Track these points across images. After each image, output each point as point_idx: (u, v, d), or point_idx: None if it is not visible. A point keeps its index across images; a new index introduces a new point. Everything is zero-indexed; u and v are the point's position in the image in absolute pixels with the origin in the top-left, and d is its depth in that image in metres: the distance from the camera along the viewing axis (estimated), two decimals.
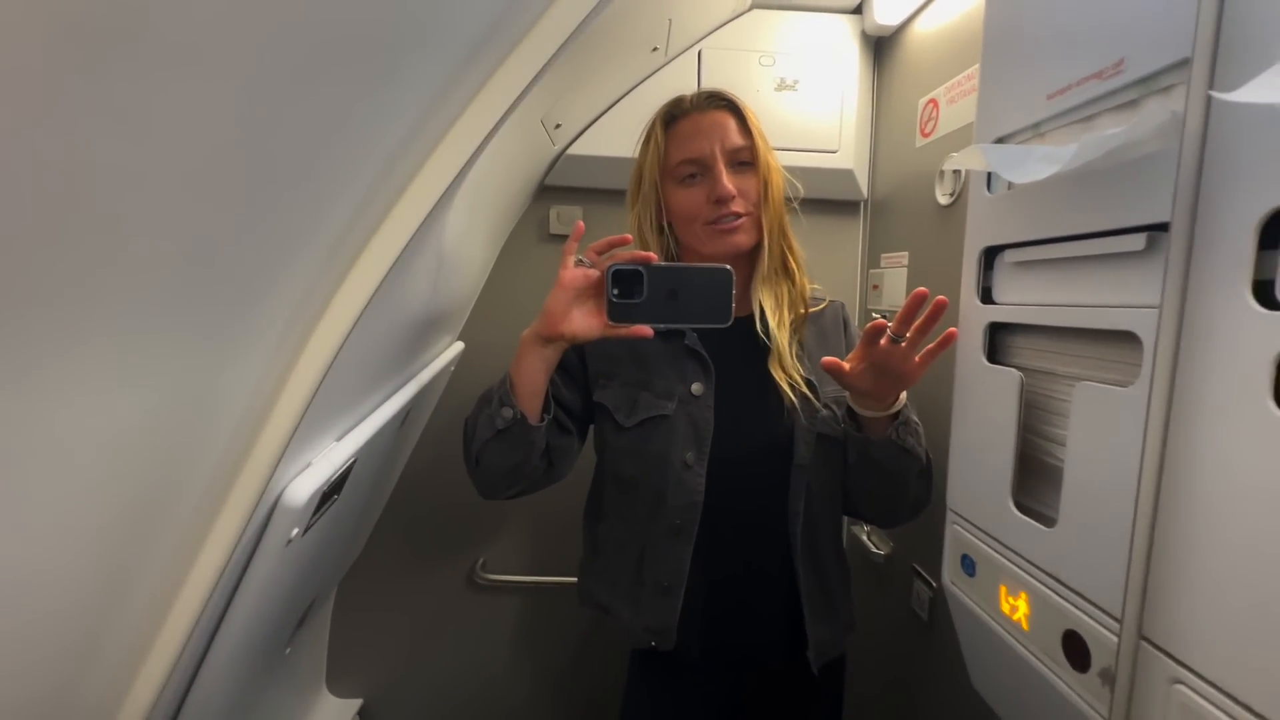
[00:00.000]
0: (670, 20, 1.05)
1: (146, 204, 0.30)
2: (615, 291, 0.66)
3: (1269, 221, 0.36)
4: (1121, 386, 0.47)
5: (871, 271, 1.32)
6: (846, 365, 0.68)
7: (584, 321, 0.68)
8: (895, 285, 1.21)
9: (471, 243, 0.96)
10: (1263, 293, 0.37)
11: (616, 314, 0.67)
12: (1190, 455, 0.40)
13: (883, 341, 0.63)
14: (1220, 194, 0.39)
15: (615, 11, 0.87)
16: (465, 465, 0.81)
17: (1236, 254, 0.37)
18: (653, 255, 0.67)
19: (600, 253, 0.69)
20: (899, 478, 0.75)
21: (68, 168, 0.26)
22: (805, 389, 0.78)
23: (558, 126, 1.13)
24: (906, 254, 1.18)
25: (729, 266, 0.67)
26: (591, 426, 0.89)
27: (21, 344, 0.29)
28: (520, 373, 0.72)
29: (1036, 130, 0.58)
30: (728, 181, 0.76)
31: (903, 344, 0.63)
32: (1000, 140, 0.62)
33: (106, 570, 0.44)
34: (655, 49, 1.11)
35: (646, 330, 0.67)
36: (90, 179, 0.27)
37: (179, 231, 0.32)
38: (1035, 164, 0.51)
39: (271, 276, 0.39)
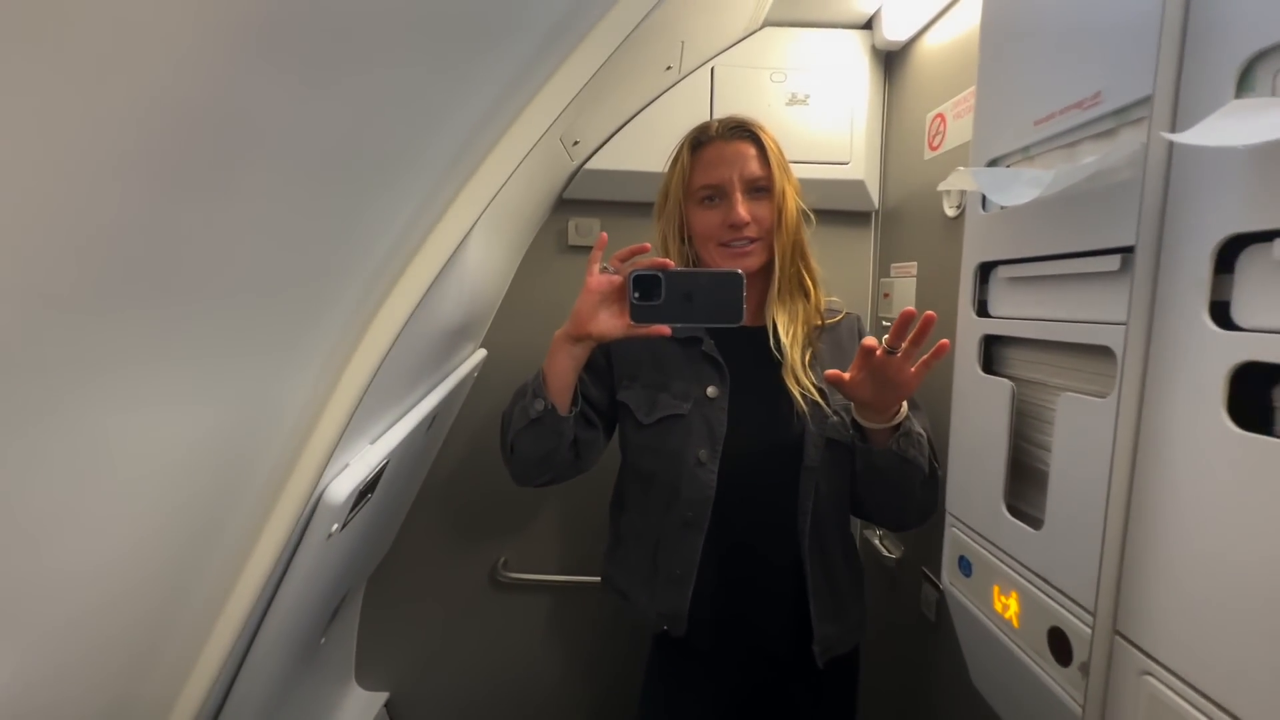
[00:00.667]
0: (683, 42, 1.10)
1: (229, 249, 0.35)
2: (636, 295, 0.72)
3: (1224, 246, 0.39)
4: (1099, 397, 0.50)
5: (883, 280, 1.35)
6: (847, 376, 0.72)
7: (609, 322, 0.75)
8: (905, 294, 1.24)
9: (494, 257, 1.02)
10: (1219, 313, 0.40)
11: (638, 315, 0.73)
12: (1158, 462, 0.43)
13: (878, 353, 0.67)
14: (1182, 220, 0.42)
15: (630, 36, 0.91)
16: (501, 453, 0.88)
17: (1195, 276, 0.40)
18: (669, 262, 0.73)
19: (623, 260, 0.75)
20: (902, 486, 0.79)
21: (175, 226, 0.31)
22: (816, 396, 0.84)
23: (576, 143, 1.18)
24: (915, 264, 1.20)
25: (739, 270, 0.72)
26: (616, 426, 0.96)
27: (114, 360, 0.35)
28: (552, 369, 0.80)
29: (1026, 154, 0.61)
30: (742, 209, 0.83)
31: (897, 355, 0.67)
32: (993, 161, 0.65)
33: (168, 575, 0.49)
34: (669, 68, 1.16)
35: (665, 329, 0.73)
36: (188, 235, 0.32)
37: (254, 272, 0.38)
38: (1021, 187, 0.55)
39: (322, 305, 0.44)
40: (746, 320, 0.73)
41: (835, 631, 0.86)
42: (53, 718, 0.45)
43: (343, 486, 0.63)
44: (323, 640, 1.07)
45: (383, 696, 1.46)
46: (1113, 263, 0.48)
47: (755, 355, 0.87)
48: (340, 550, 0.78)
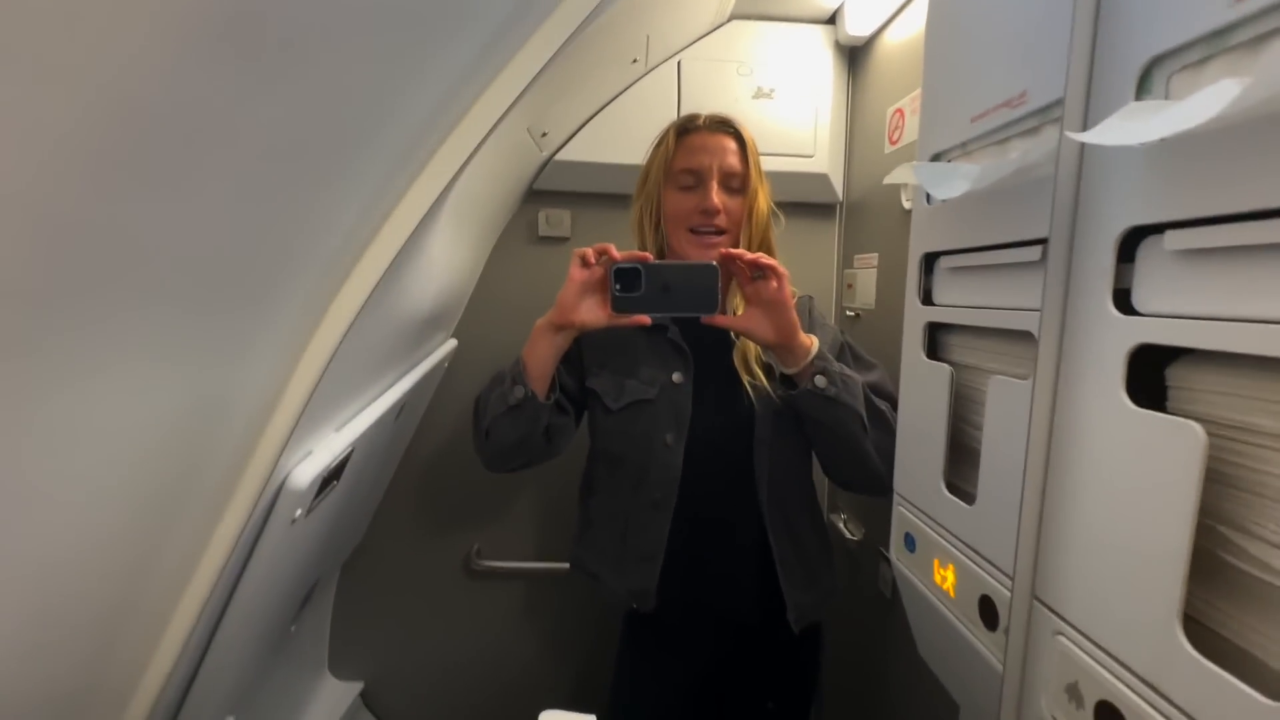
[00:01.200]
0: (648, 36, 1.11)
1: (177, 239, 0.36)
2: (618, 286, 0.77)
3: (1125, 238, 0.43)
4: (1023, 380, 0.53)
5: (846, 271, 1.39)
6: (738, 319, 0.80)
7: (592, 312, 0.79)
8: (867, 285, 1.27)
9: (461, 247, 1.02)
10: (1121, 299, 0.43)
11: (619, 306, 0.77)
12: (1070, 439, 0.47)
13: (749, 259, 0.77)
14: (1091, 213, 0.45)
15: (595, 28, 0.93)
16: (474, 439, 0.91)
17: (1100, 265, 0.44)
18: (648, 255, 0.77)
19: (602, 254, 0.79)
20: (840, 429, 0.82)
21: (117, 217, 0.32)
22: (763, 376, 0.88)
23: (544, 135, 1.19)
24: (876, 255, 1.24)
25: (714, 263, 0.77)
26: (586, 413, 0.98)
27: (55, 353, 0.36)
28: (532, 356, 0.83)
29: (964, 149, 0.64)
30: (716, 197, 0.88)
31: (764, 278, 0.77)
32: (936, 156, 0.68)
33: (129, 554, 0.50)
34: (635, 61, 1.17)
35: (645, 319, 0.78)
36: (129, 225, 0.33)
37: (197, 258, 0.39)
38: (956, 181, 0.58)
39: (276, 291, 0.45)
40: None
41: (809, 599, 0.91)
42: (6, 709, 0.46)
43: (306, 472, 0.65)
44: (293, 628, 1.08)
45: (358, 686, 1.47)
46: (1034, 253, 0.51)
47: (716, 341, 0.91)
48: (306, 536, 0.79)
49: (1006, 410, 0.55)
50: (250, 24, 0.32)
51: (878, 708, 1.21)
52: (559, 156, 1.28)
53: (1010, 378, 0.55)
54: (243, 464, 0.57)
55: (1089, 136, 0.39)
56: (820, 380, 0.81)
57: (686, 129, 0.92)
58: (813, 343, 0.82)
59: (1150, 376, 0.43)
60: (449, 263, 0.95)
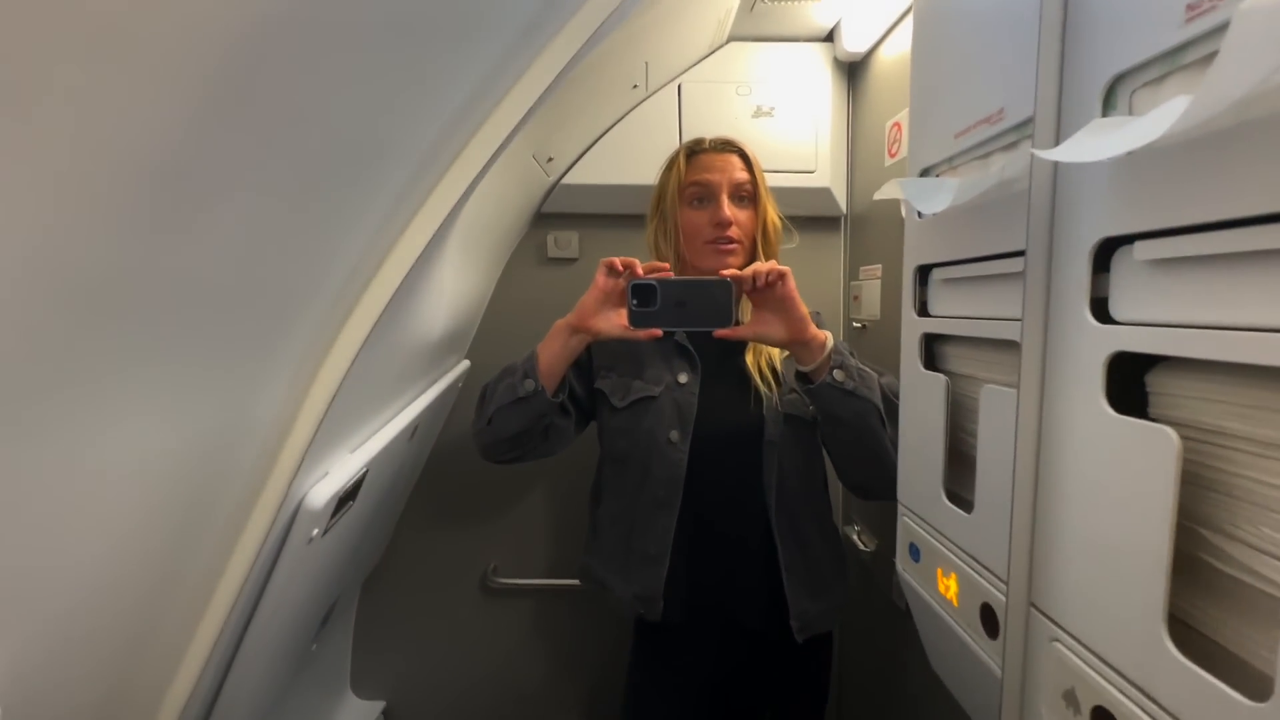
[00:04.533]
0: (647, 62, 1.15)
1: (201, 267, 0.39)
2: (635, 302, 0.80)
3: (1100, 248, 0.44)
4: (1013, 388, 0.54)
5: (852, 283, 1.40)
6: (747, 327, 0.82)
7: (608, 322, 0.83)
8: (872, 296, 1.28)
9: (470, 271, 1.06)
10: (1099, 308, 0.44)
11: (636, 321, 0.81)
12: (1057, 445, 0.48)
13: (760, 283, 0.78)
14: (1067, 225, 0.46)
15: (593, 58, 0.97)
16: (474, 423, 0.94)
17: (1077, 276, 0.45)
18: (667, 268, 0.81)
19: (628, 267, 0.83)
20: (859, 424, 0.84)
21: (147, 259, 0.35)
22: (771, 377, 0.91)
23: (550, 160, 1.22)
24: (880, 266, 1.25)
25: (729, 279, 0.80)
26: (591, 422, 1.02)
27: (94, 383, 0.39)
28: (546, 353, 0.87)
29: (950, 164, 0.65)
30: (727, 209, 0.93)
31: (770, 284, 0.80)
32: (925, 170, 0.70)
33: (153, 573, 0.53)
34: (635, 86, 1.21)
35: (657, 331, 0.81)
36: (156, 265, 0.36)
37: (214, 291, 0.42)
38: (941, 196, 0.59)
39: (289, 319, 0.48)
40: None
41: (815, 608, 0.91)
42: None
43: (322, 492, 0.67)
44: (314, 647, 1.10)
45: (379, 705, 1.49)
46: (1017, 264, 0.52)
47: (722, 344, 0.92)
48: (324, 555, 0.82)
49: (998, 418, 0.56)
50: (248, 77, 0.35)
51: None
52: (565, 180, 1.32)
53: (1001, 386, 0.56)
54: (260, 485, 0.60)
55: (1055, 154, 0.40)
56: (839, 374, 0.82)
57: (695, 150, 0.98)
58: (827, 337, 0.84)
59: (1133, 383, 0.44)
60: (459, 286, 0.98)
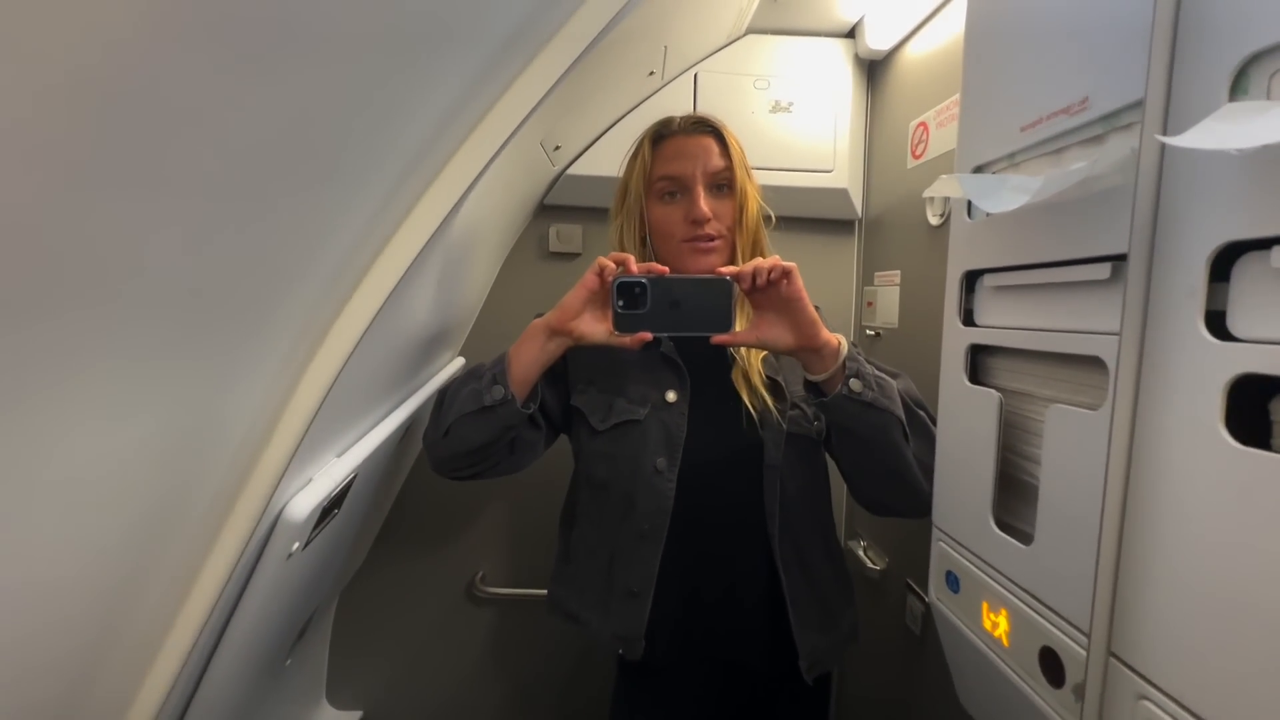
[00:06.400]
0: (666, 47, 1.08)
1: (152, 243, 0.32)
2: (621, 303, 0.69)
3: (1219, 254, 0.38)
4: (1090, 410, 0.48)
5: (866, 289, 1.34)
6: (748, 332, 0.73)
7: (592, 325, 0.72)
8: (888, 303, 1.23)
9: (472, 262, 0.99)
10: (1214, 323, 0.38)
11: (621, 324, 0.70)
12: (1153, 477, 0.42)
13: (760, 281, 0.69)
14: (1175, 228, 0.40)
15: (612, 39, 0.90)
16: (428, 433, 0.81)
17: (1189, 285, 0.39)
18: (660, 267, 0.70)
19: (618, 263, 0.72)
20: (880, 440, 0.74)
21: (87, 215, 0.28)
22: (767, 394, 0.81)
23: (557, 148, 1.16)
24: (899, 273, 1.20)
25: (729, 278, 0.70)
26: (563, 435, 0.91)
27: (34, 370, 0.31)
28: (519, 358, 0.75)
29: (1012, 160, 0.60)
30: (704, 204, 0.80)
31: (772, 282, 0.69)
32: (979, 168, 0.64)
33: (113, 583, 0.46)
34: (652, 73, 1.14)
35: (646, 336, 0.70)
36: (105, 224, 0.29)
37: (182, 267, 0.35)
38: (1007, 194, 0.53)
39: (275, 307, 0.41)
40: None
41: (824, 643, 0.82)
42: None
43: (305, 502, 0.60)
44: (288, 662, 1.02)
45: (355, 715, 1.42)
46: (1103, 271, 0.47)
47: (714, 356, 0.83)
48: (303, 570, 0.74)
49: (1070, 443, 0.50)
50: (248, 18, 0.28)
51: None
52: (571, 170, 1.25)
53: (1074, 407, 0.51)
54: (235, 494, 0.53)
55: (1184, 140, 0.35)
56: (855, 384, 0.72)
57: (662, 135, 0.85)
58: (840, 341, 0.73)
59: (1246, 409, 0.38)
60: (460, 277, 0.91)
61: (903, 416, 0.75)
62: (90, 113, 0.26)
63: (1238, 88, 0.37)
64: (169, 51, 0.27)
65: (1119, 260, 0.46)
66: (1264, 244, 0.36)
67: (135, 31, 0.25)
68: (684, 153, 0.82)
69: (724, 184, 0.83)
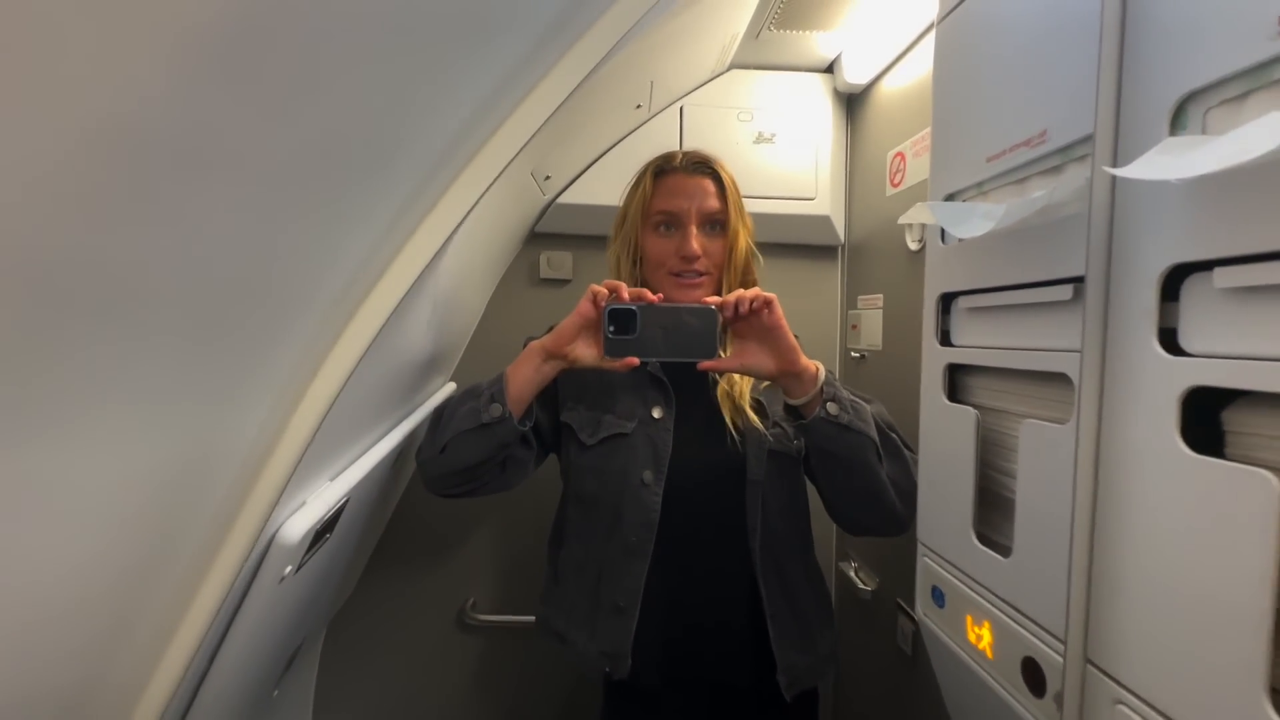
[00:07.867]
0: (652, 81, 1.13)
1: (156, 286, 0.34)
2: (611, 329, 0.73)
3: (1168, 275, 0.41)
4: (1059, 424, 0.51)
5: (850, 312, 1.38)
6: (732, 358, 0.77)
7: (584, 349, 0.77)
8: (872, 325, 1.26)
9: (464, 290, 1.01)
10: (1167, 339, 0.41)
11: (612, 349, 0.74)
12: (1119, 486, 0.44)
13: (743, 309, 0.74)
14: (1128, 252, 0.43)
15: (601, 75, 0.95)
16: (423, 450, 0.84)
17: (1143, 304, 0.42)
18: (649, 294, 0.74)
19: (613, 293, 0.76)
20: (856, 460, 0.78)
21: (97, 257, 0.30)
22: (751, 413, 0.84)
23: (547, 178, 1.19)
24: (881, 296, 1.23)
25: (714, 307, 0.74)
26: (553, 454, 0.94)
27: (47, 405, 0.33)
28: (515, 378, 0.79)
29: (980, 189, 0.63)
30: (695, 242, 0.85)
31: (754, 311, 0.74)
32: (950, 196, 0.67)
33: (109, 613, 0.46)
34: (639, 106, 1.19)
35: (634, 361, 0.74)
36: (115, 267, 0.31)
37: (188, 292, 0.36)
38: (976, 221, 0.56)
39: (275, 331, 0.43)
40: None
41: (804, 661, 0.84)
42: None
43: (298, 526, 0.61)
44: (275, 693, 1.01)
45: None
46: (1065, 292, 0.50)
47: (699, 375, 0.85)
48: (295, 594, 0.74)
49: (1042, 456, 0.52)
50: (257, 44, 0.31)
51: None
52: (561, 200, 1.28)
53: (1044, 421, 0.53)
54: (231, 518, 0.53)
55: (1128, 171, 0.38)
56: (832, 407, 0.77)
57: (664, 170, 0.90)
58: (819, 368, 0.79)
59: (1200, 420, 0.40)
60: (452, 305, 0.93)
61: (877, 439, 0.80)
62: (96, 142, 0.28)
63: (1177, 123, 0.40)
64: (172, 73, 0.29)
65: (1079, 282, 0.49)
66: (1207, 265, 0.38)
67: (151, 70, 0.28)
68: (682, 191, 0.87)
69: (717, 223, 0.88)
